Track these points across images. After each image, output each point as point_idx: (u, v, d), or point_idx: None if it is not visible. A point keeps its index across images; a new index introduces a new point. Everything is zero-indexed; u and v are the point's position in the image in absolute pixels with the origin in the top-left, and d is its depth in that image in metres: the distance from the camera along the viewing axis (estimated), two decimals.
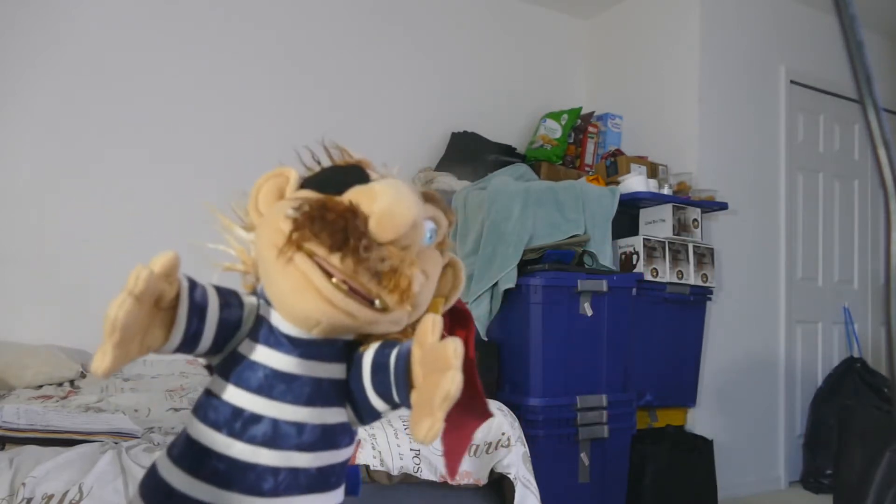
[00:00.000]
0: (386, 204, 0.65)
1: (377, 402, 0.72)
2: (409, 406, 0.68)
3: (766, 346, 3.54)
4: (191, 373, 2.52)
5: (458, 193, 2.98)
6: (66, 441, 1.33)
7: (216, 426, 0.68)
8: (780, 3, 3.71)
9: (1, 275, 2.57)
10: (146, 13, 2.89)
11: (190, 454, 0.69)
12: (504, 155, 3.39)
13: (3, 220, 2.60)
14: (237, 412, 0.68)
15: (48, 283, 2.64)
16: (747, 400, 3.43)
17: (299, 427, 0.69)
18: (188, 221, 2.83)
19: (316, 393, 0.70)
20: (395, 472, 1.56)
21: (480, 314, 2.70)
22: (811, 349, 3.74)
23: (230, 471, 0.67)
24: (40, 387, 2.19)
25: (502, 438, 1.73)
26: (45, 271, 2.64)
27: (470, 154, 3.31)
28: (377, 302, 0.66)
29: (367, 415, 0.74)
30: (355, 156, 0.76)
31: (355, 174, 0.72)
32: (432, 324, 0.65)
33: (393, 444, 1.57)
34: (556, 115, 3.52)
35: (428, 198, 0.76)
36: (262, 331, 0.70)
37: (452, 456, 0.79)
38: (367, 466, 1.52)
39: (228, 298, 0.69)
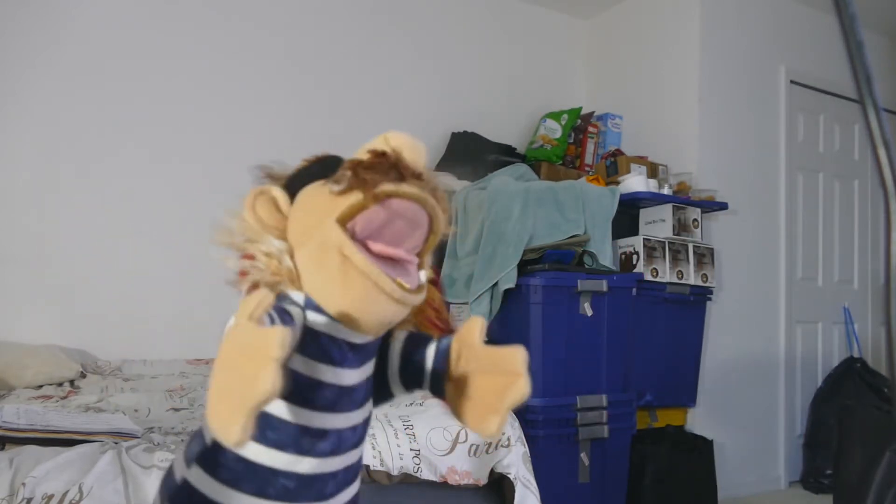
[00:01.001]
0: (404, 136, 0.68)
1: (397, 388, 0.76)
2: (441, 396, 0.73)
3: (766, 346, 3.54)
4: (191, 373, 2.52)
5: (458, 193, 2.98)
6: (66, 441, 1.33)
7: (280, 446, 0.66)
8: (780, 3, 3.71)
9: (1, 275, 2.57)
10: (145, 14, 2.89)
11: (252, 477, 0.66)
12: (504, 155, 3.39)
13: (3, 220, 2.60)
14: (304, 430, 0.66)
15: (48, 283, 2.64)
16: (747, 400, 3.43)
17: (354, 429, 0.71)
18: (188, 221, 2.84)
19: (366, 392, 0.73)
20: (395, 472, 1.56)
21: (480, 314, 2.69)
22: (811, 349, 3.74)
23: (299, 485, 0.67)
24: (40, 387, 2.19)
25: (502, 438, 1.73)
26: (45, 271, 2.64)
27: (470, 154, 3.31)
28: (422, 278, 0.69)
29: (381, 398, 0.77)
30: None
31: (333, 160, 0.72)
32: (480, 326, 0.72)
33: (393, 444, 1.57)
34: (556, 115, 3.52)
35: None
36: (322, 346, 0.67)
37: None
38: (367, 466, 1.52)
39: (285, 318, 0.63)
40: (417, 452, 1.59)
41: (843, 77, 3.73)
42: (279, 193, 0.70)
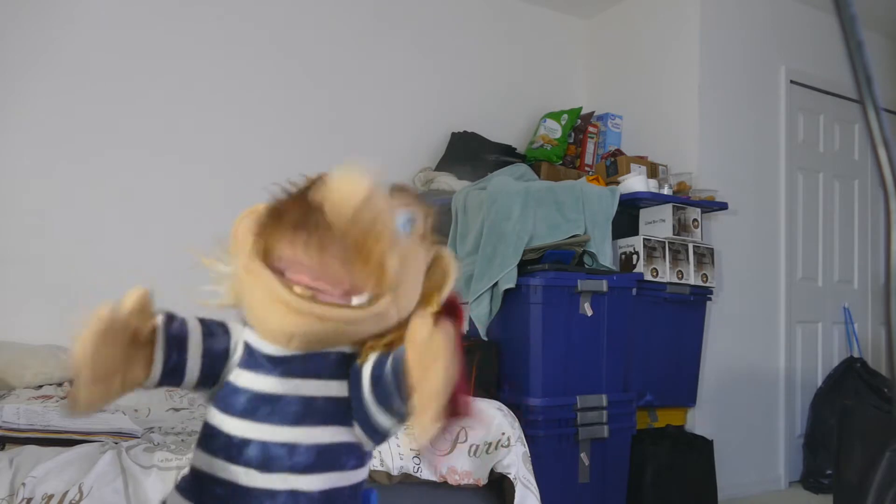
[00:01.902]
0: (334, 184, 0.65)
1: (381, 416, 0.70)
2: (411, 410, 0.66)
3: (766, 345, 3.54)
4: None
5: (458, 193, 2.98)
6: (66, 441, 1.33)
7: (214, 453, 0.69)
8: (780, 3, 3.71)
9: (1, 275, 2.57)
10: (146, 13, 2.89)
11: (195, 483, 0.70)
12: (504, 155, 3.39)
13: (3, 220, 2.60)
14: (228, 438, 0.69)
15: (48, 283, 2.64)
16: (747, 400, 3.43)
17: (290, 448, 0.68)
18: (188, 221, 2.84)
19: (306, 412, 0.69)
20: (395, 472, 1.56)
21: (480, 314, 2.69)
22: (811, 349, 3.74)
23: (230, 496, 0.67)
24: (40, 387, 2.19)
25: (502, 438, 1.73)
26: (45, 271, 2.64)
27: (470, 154, 3.31)
28: (356, 299, 0.66)
29: (374, 432, 0.71)
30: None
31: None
32: (421, 321, 0.63)
33: (393, 444, 1.57)
34: (556, 115, 3.52)
35: (399, 189, 0.74)
36: (244, 355, 0.71)
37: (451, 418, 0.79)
38: None
39: (212, 328, 0.71)
40: (417, 452, 1.59)
41: (843, 77, 3.73)
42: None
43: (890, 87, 3.95)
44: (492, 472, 1.70)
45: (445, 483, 1.63)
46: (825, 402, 3.49)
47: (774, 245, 3.60)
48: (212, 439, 0.70)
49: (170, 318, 0.68)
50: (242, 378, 0.70)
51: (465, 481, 1.65)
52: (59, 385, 2.23)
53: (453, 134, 3.44)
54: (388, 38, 3.46)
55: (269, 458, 0.67)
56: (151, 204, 2.84)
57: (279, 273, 0.66)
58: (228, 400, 0.70)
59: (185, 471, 0.74)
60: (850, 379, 3.52)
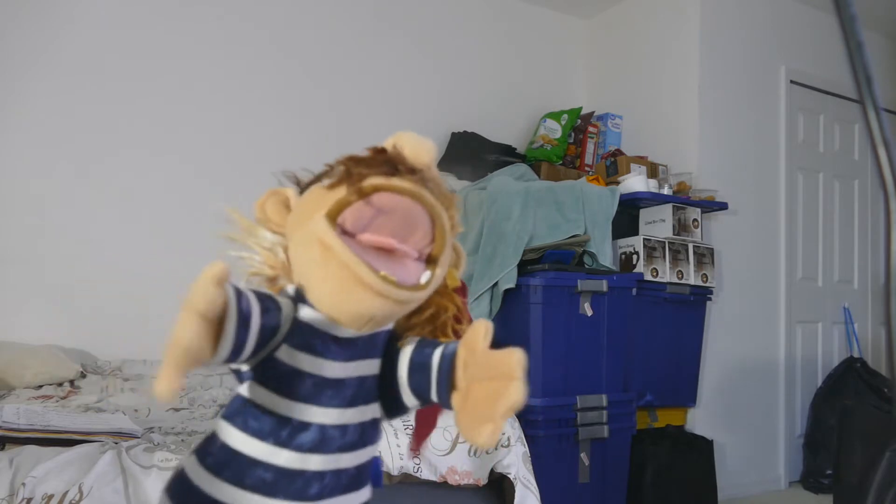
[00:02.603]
0: (409, 134, 0.67)
1: (409, 398, 0.72)
2: (448, 406, 0.68)
3: (766, 346, 3.54)
4: (191, 373, 2.52)
5: (457, 193, 2.98)
6: (66, 441, 1.33)
7: (259, 435, 0.66)
8: (780, 3, 3.71)
9: (1, 275, 2.57)
10: (146, 13, 2.89)
11: (233, 465, 0.67)
12: (504, 155, 3.39)
13: (3, 220, 2.60)
14: (283, 420, 0.66)
15: (48, 283, 2.64)
16: (747, 400, 3.43)
17: (343, 429, 0.68)
18: (188, 220, 2.84)
19: (358, 392, 0.70)
20: (395, 473, 1.56)
21: (480, 314, 2.70)
22: (811, 349, 3.74)
23: (277, 479, 0.66)
24: (40, 387, 2.19)
25: (502, 438, 1.73)
26: (45, 271, 2.64)
27: (470, 154, 3.31)
28: (423, 278, 0.66)
29: (396, 409, 0.74)
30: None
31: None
32: (485, 330, 0.66)
33: (393, 444, 1.57)
34: (556, 115, 3.52)
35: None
36: (305, 337, 0.67)
37: (419, 438, 0.82)
38: None
39: (267, 304, 0.65)
40: (417, 452, 1.59)
41: (843, 77, 3.74)
42: (291, 193, 0.71)
43: (890, 87, 3.95)
44: (492, 472, 1.70)
45: (445, 483, 1.63)
46: (825, 402, 3.49)
47: (774, 245, 3.61)
48: (258, 420, 0.67)
49: (238, 293, 0.61)
50: (304, 361, 0.67)
51: (465, 481, 1.65)
52: (59, 385, 2.23)
53: (453, 134, 3.44)
54: (388, 38, 3.46)
55: (324, 440, 0.67)
56: (151, 204, 2.84)
57: (349, 236, 0.63)
58: (289, 383, 0.67)
59: (205, 445, 0.69)
60: (850, 379, 3.52)
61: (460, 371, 0.67)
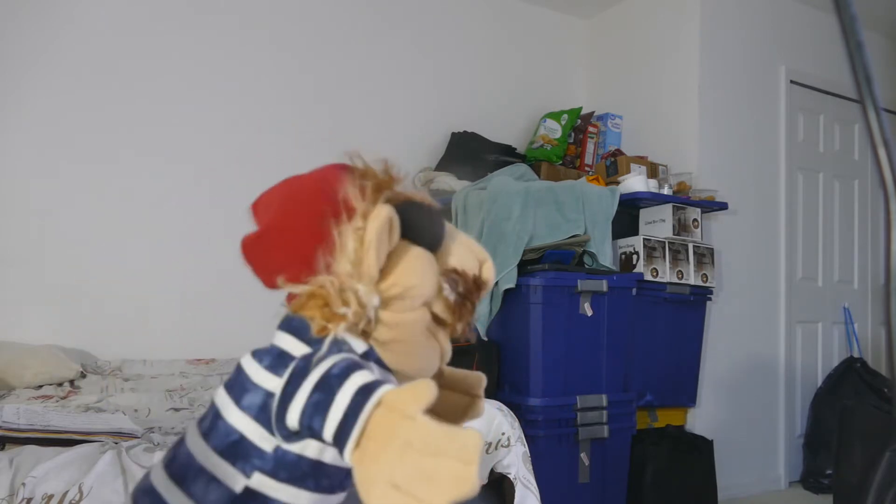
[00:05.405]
0: (489, 262, 0.80)
1: None
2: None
3: (766, 345, 3.54)
4: (191, 372, 2.52)
5: (457, 193, 2.98)
6: (66, 441, 1.33)
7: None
8: (780, 3, 3.71)
9: (1, 275, 2.57)
10: (146, 14, 2.89)
11: (320, 475, 0.73)
12: (504, 155, 3.39)
13: (4, 221, 2.60)
14: None
15: (48, 283, 2.64)
16: (747, 400, 3.43)
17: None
18: (188, 221, 2.84)
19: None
20: None
21: (480, 314, 2.69)
22: (811, 349, 3.74)
23: (347, 476, 0.76)
24: (40, 387, 2.19)
25: (502, 438, 1.73)
26: (45, 271, 2.64)
27: (470, 154, 3.31)
28: None
29: None
30: (394, 175, 0.78)
31: (438, 223, 0.78)
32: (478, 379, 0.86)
33: None
34: (556, 115, 3.52)
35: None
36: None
37: None
38: None
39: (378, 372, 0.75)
40: None
41: (843, 77, 3.74)
42: (396, 222, 0.71)
43: (890, 87, 3.95)
44: (492, 472, 1.70)
45: None
46: (825, 402, 3.49)
47: (774, 245, 3.61)
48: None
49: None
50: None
51: None
52: (59, 385, 2.23)
53: (453, 134, 3.44)
54: (388, 38, 3.46)
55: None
56: (152, 204, 2.84)
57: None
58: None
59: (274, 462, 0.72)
60: (850, 379, 3.52)
61: None
